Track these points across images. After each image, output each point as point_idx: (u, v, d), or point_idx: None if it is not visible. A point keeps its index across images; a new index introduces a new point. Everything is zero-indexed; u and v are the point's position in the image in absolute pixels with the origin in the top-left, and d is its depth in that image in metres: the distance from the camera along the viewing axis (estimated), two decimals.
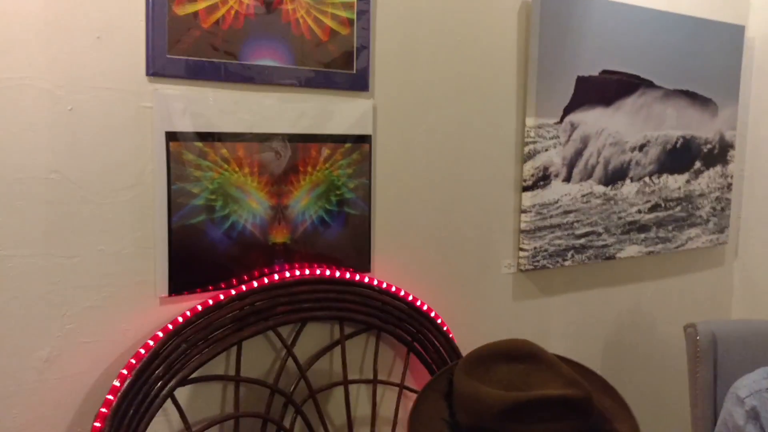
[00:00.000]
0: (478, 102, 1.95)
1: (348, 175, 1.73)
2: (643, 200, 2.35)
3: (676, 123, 2.39)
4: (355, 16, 1.69)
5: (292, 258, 1.67)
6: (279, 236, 1.65)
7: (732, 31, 2.50)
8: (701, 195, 2.52)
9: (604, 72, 2.17)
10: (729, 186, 2.61)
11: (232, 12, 1.52)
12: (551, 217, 2.11)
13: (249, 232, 1.60)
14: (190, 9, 1.47)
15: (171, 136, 1.48)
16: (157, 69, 1.45)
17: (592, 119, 2.17)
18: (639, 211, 2.34)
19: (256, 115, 1.58)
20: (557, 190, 2.12)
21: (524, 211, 2.06)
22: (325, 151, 1.69)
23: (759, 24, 2.61)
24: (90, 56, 1.38)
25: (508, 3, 1.97)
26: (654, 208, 2.38)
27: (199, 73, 1.50)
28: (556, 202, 2.12)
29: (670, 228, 2.44)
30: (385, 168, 1.81)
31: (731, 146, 2.58)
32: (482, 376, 1.34)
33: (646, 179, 2.35)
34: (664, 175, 2.40)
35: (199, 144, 1.51)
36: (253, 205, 1.60)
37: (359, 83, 1.72)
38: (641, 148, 2.32)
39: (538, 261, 2.09)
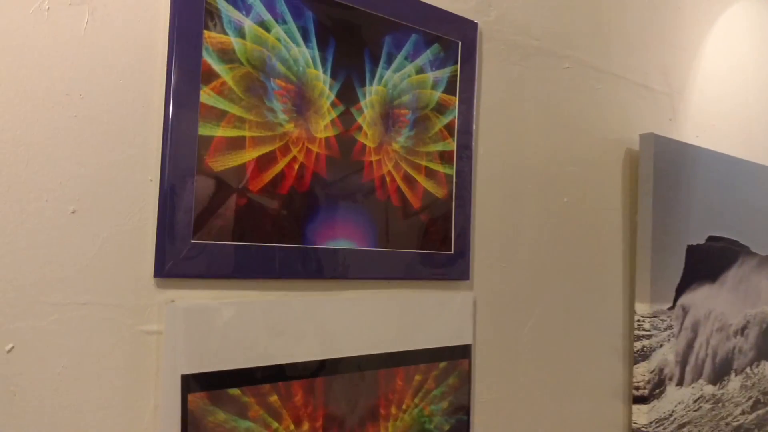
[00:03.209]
0: (584, 286, 1.40)
1: (442, 411, 1.11)
2: (746, 396, 1.85)
3: None
4: (454, 171, 1.13)
5: None
6: None
7: None
8: None
9: (711, 239, 1.70)
10: None
11: (296, 166, 0.93)
12: None
13: None
14: (232, 162, 0.86)
15: (190, 383, 0.82)
16: (173, 266, 0.81)
17: (700, 300, 1.67)
18: (743, 412, 1.83)
19: (324, 331, 0.96)
20: (671, 397, 1.57)
21: None
22: (416, 378, 1.07)
23: None
24: (53, 247, 0.73)
25: (612, 154, 1.48)
26: (755, 405, 1.88)
27: (241, 268, 0.87)
28: (671, 416, 1.56)
29: None
30: (487, 393, 1.20)
31: None
32: None
33: (748, 370, 1.86)
34: (762, 362, 1.92)
35: (236, 392, 0.86)
36: None
37: (459, 269, 1.14)
38: (742, 331, 1.84)
39: None
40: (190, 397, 0.82)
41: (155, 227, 0.80)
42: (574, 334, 1.38)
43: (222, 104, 0.86)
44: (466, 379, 1.15)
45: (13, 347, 0.71)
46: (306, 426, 0.93)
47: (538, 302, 1.30)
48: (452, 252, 1.13)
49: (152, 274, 0.80)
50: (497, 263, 1.22)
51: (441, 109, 1.12)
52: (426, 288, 1.10)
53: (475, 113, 1.17)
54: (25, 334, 0.71)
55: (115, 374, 0.78)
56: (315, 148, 0.95)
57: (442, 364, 1.11)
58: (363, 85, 1.01)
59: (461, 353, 1.14)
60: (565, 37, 1.36)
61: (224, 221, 0.85)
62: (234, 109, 0.87)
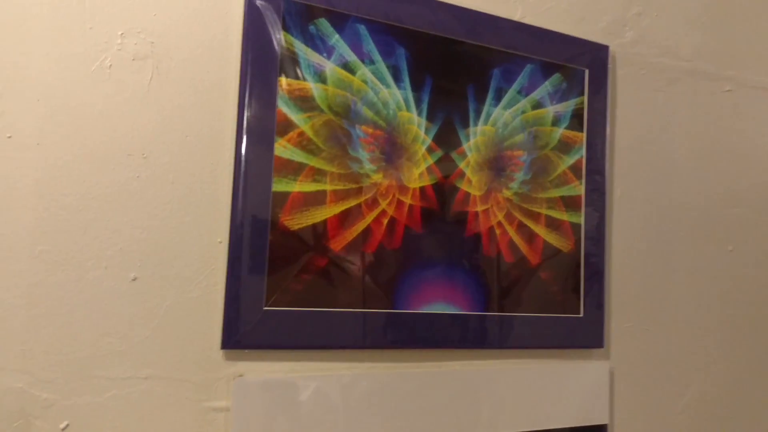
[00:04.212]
0: (757, 354, 1.16)
1: None
2: None
3: None
4: (582, 220, 0.97)
5: None
6: None
7: None
8: None
9: None
10: None
11: (384, 221, 0.82)
12: None
13: None
14: (310, 219, 0.78)
15: None
16: (243, 336, 0.74)
17: None
18: None
19: (422, 409, 0.84)
20: None
21: None
22: None
23: None
24: (113, 316, 0.69)
25: None
26: None
27: (321, 337, 0.78)
28: None
29: None
30: None
31: None
32: None
33: None
34: None
35: None
36: None
37: (590, 334, 0.97)
38: None
39: None
40: None
41: (224, 294, 0.74)
42: (745, 414, 1.14)
43: (299, 156, 0.78)
44: None
45: (68, 425, 0.67)
46: None
47: (696, 374, 1.08)
48: (581, 315, 0.96)
49: (220, 345, 0.73)
50: (640, 327, 1.03)
51: (564, 147, 0.97)
52: (549, 358, 0.94)
53: (608, 150, 1.00)
54: (81, 410, 0.67)
55: None
56: (408, 200, 0.84)
57: None
58: (466, 126, 0.89)
59: None
60: (725, 55, 1.15)
61: (301, 285, 0.77)
62: (313, 161, 0.79)
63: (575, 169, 0.97)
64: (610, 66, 1.01)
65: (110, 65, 0.70)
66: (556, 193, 0.95)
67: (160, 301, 0.71)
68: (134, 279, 0.70)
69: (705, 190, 1.11)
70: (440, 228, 0.86)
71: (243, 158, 0.75)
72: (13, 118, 0.66)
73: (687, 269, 1.08)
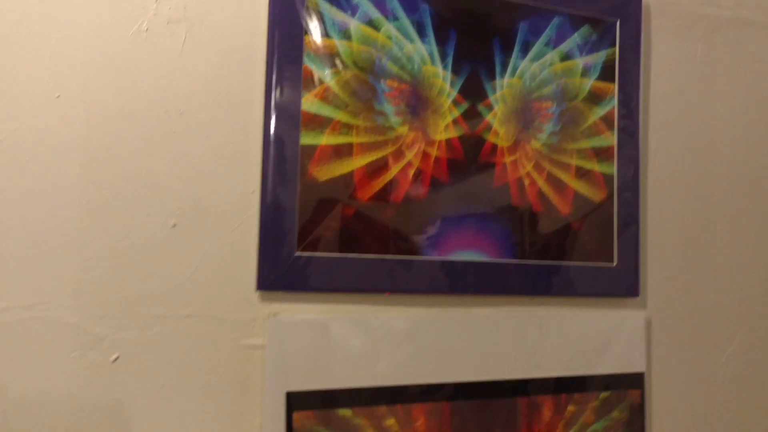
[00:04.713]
0: None
1: None
2: None
3: None
4: (615, 170, 0.97)
5: None
6: None
7: None
8: None
9: None
10: None
11: (411, 172, 0.86)
12: None
13: None
14: (338, 170, 0.82)
15: (295, 400, 0.78)
16: (276, 278, 0.79)
17: None
18: None
19: (448, 351, 0.87)
20: None
21: None
22: (568, 409, 0.93)
23: None
24: (156, 260, 0.75)
25: None
26: None
27: (349, 280, 0.82)
28: None
29: None
30: (669, 430, 1.01)
31: None
32: None
33: None
34: None
35: (347, 412, 0.81)
36: None
37: (624, 284, 0.98)
38: None
39: None
40: (296, 415, 0.79)
41: (257, 240, 0.79)
42: None
43: (326, 111, 0.82)
44: (638, 413, 0.98)
45: (118, 357, 0.73)
46: None
47: (742, 323, 1.07)
48: (615, 264, 0.97)
49: (255, 287, 0.79)
50: (679, 276, 1.03)
51: (595, 98, 0.97)
52: (579, 306, 0.95)
53: (642, 102, 1.00)
54: (129, 344, 0.74)
55: (220, 388, 0.77)
56: (434, 152, 0.87)
57: (604, 395, 0.95)
58: (492, 78, 0.91)
59: (631, 383, 0.97)
60: None
61: (331, 233, 0.82)
62: (339, 115, 0.83)
63: (607, 120, 0.98)
64: (643, 16, 1.01)
65: (147, 29, 0.76)
66: (586, 143, 0.96)
67: (199, 246, 0.77)
68: (174, 226, 0.76)
69: (747, 141, 1.09)
70: (467, 179, 0.89)
71: (272, 113, 0.80)
72: (61, 80, 0.72)
73: (728, 219, 1.07)
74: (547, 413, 0.92)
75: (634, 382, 0.98)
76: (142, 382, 0.74)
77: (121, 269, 0.74)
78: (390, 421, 0.83)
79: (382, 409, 0.83)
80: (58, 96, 0.72)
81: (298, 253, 0.80)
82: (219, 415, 0.77)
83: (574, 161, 0.95)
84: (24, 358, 0.70)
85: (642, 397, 0.98)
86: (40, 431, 0.70)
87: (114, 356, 0.73)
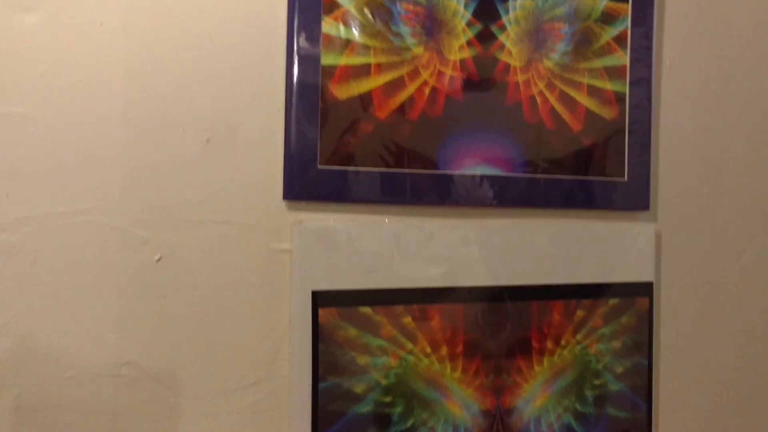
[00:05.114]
0: None
1: (613, 351, 1.02)
2: None
3: None
4: (627, 89, 1.01)
5: None
6: None
7: None
8: None
9: None
10: None
11: (426, 90, 0.91)
12: None
13: None
14: (357, 89, 0.88)
15: (320, 299, 0.87)
16: (301, 189, 0.87)
17: None
18: None
19: (462, 258, 0.94)
20: None
21: None
22: (577, 313, 1.00)
23: None
24: (192, 172, 0.83)
25: None
26: None
27: (369, 191, 0.89)
28: None
29: None
30: (676, 337, 1.07)
31: None
32: None
33: None
34: None
35: (367, 310, 0.89)
36: (454, 411, 0.94)
37: (634, 198, 1.02)
38: None
39: None
40: (321, 311, 0.87)
41: (283, 154, 0.86)
42: None
43: (345, 33, 0.88)
44: (645, 320, 1.04)
45: (161, 257, 0.83)
46: (444, 350, 0.93)
47: (753, 238, 1.11)
48: (626, 179, 1.02)
49: (282, 196, 0.87)
50: (691, 191, 1.07)
51: (607, 19, 1.00)
52: (590, 218, 1.01)
53: (656, 20, 1.03)
54: (171, 247, 0.83)
55: (253, 287, 0.86)
56: (448, 71, 0.92)
57: (613, 302, 1.01)
58: (505, 0, 0.95)
59: (639, 291, 1.03)
60: None
61: (351, 148, 0.88)
62: (357, 37, 0.88)
63: (619, 39, 1.01)
64: None
65: None
66: (599, 63, 1.00)
67: (230, 159, 0.85)
68: (207, 141, 0.84)
69: (764, 57, 1.10)
70: (481, 97, 0.94)
71: (295, 37, 0.86)
72: (103, 8, 0.80)
73: (741, 135, 1.09)
74: (557, 317, 0.99)
75: (643, 290, 1.03)
76: (183, 280, 0.84)
77: (161, 179, 0.83)
78: (407, 319, 0.91)
79: (399, 308, 0.91)
80: (101, 24, 0.80)
81: (320, 167, 0.87)
82: (252, 311, 0.86)
83: (586, 80, 0.99)
84: (79, 255, 0.80)
85: (650, 304, 1.04)
86: (94, 318, 0.80)
87: (157, 256, 0.83)
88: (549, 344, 0.98)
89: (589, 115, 0.99)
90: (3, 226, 0.77)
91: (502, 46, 0.95)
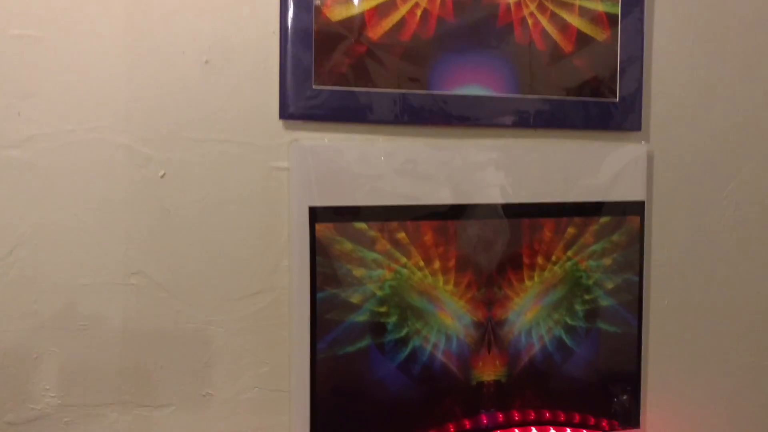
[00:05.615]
0: None
1: (603, 268, 1.05)
2: None
3: None
4: (619, 10, 1.02)
5: (508, 405, 1.02)
6: (488, 371, 1.01)
7: None
8: None
9: None
10: None
11: (418, 12, 0.94)
12: None
13: (440, 364, 0.99)
14: (349, 11, 0.91)
15: (317, 214, 0.92)
16: (296, 109, 0.90)
17: None
18: None
19: (454, 176, 0.97)
20: None
21: None
22: (568, 231, 1.03)
23: None
24: (192, 92, 0.87)
25: None
26: None
27: (361, 111, 0.93)
28: None
29: None
30: (668, 256, 1.10)
31: None
32: None
33: None
34: None
35: (362, 225, 0.94)
36: (446, 322, 0.99)
37: (625, 118, 1.05)
38: None
39: None
40: (318, 226, 0.92)
41: (278, 75, 0.90)
42: None
43: None
44: (637, 238, 1.07)
45: (165, 173, 0.88)
46: (437, 264, 0.97)
47: (746, 160, 1.12)
48: (617, 99, 1.04)
49: (278, 116, 0.91)
50: (683, 113, 1.08)
51: None
52: (581, 138, 1.03)
53: None
54: (174, 163, 0.88)
55: (253, 203, 0.91)
56: None
57: (604, 219, 1.05)
58: None
59: (630, 209, 1.06)
60: None
61: (344, 68, 0.92)
62: None
63: None
64: None
65: None
66: None
67: (228, 80, 0.89)
68: (206, 62, 0.88)
69: None
70: (472, 19, 0.96)
71: None
72: None
73: (736, 57, 1.10)
74: (548, 233, 1.02)
75: (634, 209, 1.06)
76: (186, 195, 0.89)
77: (163, 99, 0.87)
78: (401, 234, 0.95)
79: (394, 224, 0.95)
80: None
81: (315, 87, 0.91)
82: (252, 225, 0.91)
83: (578, 1, 1.01)
84: (88, 172, 0.85)
85: (641, 223, 1.07)
86: (103, 230, 0.86)
87: (161, 173, 0.88)
88: (540, 260, 1.02)
89: (581, 36, 1.01)
90: (16, 143, 0.82)
91: None
